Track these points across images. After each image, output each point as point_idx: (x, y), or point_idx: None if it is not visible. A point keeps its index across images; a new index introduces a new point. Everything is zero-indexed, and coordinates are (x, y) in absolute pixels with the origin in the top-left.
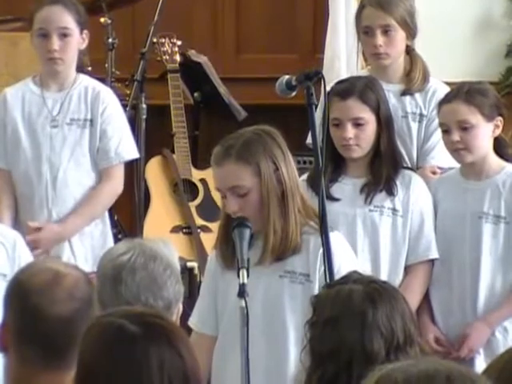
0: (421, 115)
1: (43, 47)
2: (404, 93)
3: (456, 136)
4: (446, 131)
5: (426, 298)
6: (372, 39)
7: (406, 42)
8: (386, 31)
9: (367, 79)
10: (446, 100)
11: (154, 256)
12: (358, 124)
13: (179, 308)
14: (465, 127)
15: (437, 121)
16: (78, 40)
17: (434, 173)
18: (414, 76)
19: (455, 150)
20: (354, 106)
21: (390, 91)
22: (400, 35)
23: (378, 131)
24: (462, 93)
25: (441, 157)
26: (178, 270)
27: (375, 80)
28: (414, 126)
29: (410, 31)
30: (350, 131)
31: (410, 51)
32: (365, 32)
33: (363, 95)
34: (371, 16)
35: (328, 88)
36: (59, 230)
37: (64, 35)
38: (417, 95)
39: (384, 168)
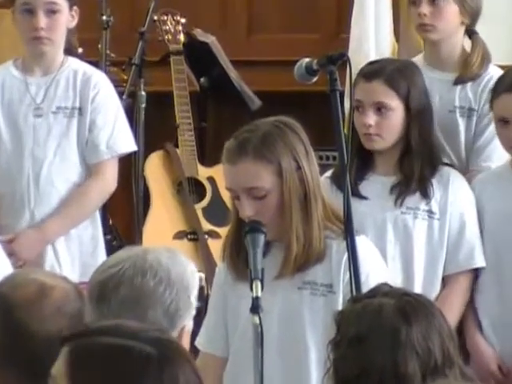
0: (470, 110)
1: (28, 25)
2: (457, 81)
3: None
4: (507, 122)
5: (474, 312)
6: (417, 8)
7: (460, 19)
8: (433, 0)
9: (402, 63)
10: (506, 88)
11: (145, 269)
12: (381, 110)
13: (185, 327)
14: None
15: (490, 115)
16: (67, 17)
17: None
18: (470, 60)
19: None
20: (379, 88)
21: (443, 81)
22: (451, 8)
23: (407, 122)
24: None
25: (494, 157)
26: (187, 283)
27: (412, 65)
28: (462, 121)
29: (466, 6)
30: (371, 117)
31: (471, 34)
32: (411, 1)
33: (391, 79)
34: None
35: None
36: (36, 236)
37: (52, 11)
38: (468, 87)
39: (415, 165)
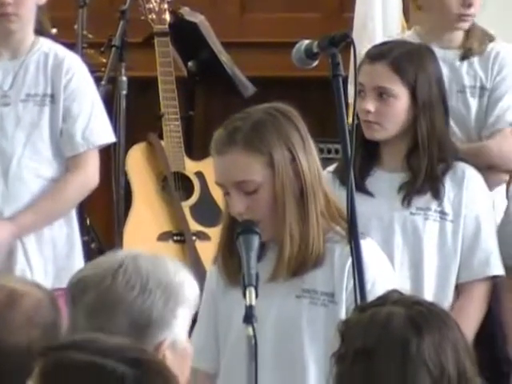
0: (482, 88)
1: None
2: (463, 57)
3: None
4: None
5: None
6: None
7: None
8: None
9: (414, 46)
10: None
11: (118, 272)
12: (382, 96)
13: (163, 342)
14: None
15: (506, 84)
16: None
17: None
18: (472, 34)
19: None
20: (382, 72)
21: (445, 60)
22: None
23: (414, 113)
24: None
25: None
26: (172, 292)
27: (425, 49)
28: (474, 102)
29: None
30: (371, 103)
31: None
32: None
33: (397, 63)
34: None
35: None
36: (6, 226)
37: None
38: (476, 63)
39: (423, 162)
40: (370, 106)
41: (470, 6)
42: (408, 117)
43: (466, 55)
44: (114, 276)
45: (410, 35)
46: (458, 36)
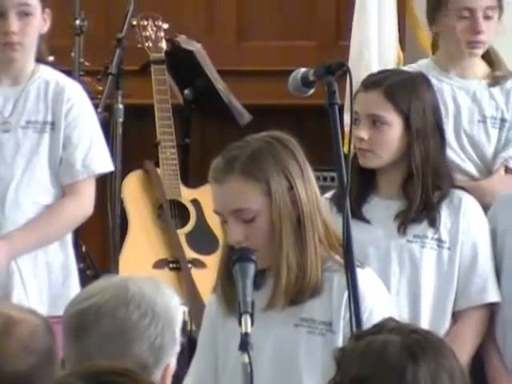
0: (502, 120)
1: None
2: (491, 84)
3: None
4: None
5: (495, 345)
6: (473, 24)
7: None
8: (487, 15)
9: (409, 75)
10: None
11: (128, 300)
12: (375, 124)
13: (169, 365)
14: None
15: None
16: (40, 21)
17: (506, 169)
18: (499, 61)
19: None
20: (375, 100)
21: (462, 89)
22: (496, 16)
23: (408, 141)
24: None
25: None
26: (172, 316)
27: (420, 78)
28: (494, 133)
29: (501, 8)
30: (365, 131)
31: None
32: (463, 16)
33: (390, 91)
34: None
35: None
36: (1, 243)
37: (24, 14)
38: (496, 94)
39: (417, 190)
40: (364, 133)
41: (479, 33)
42: (402, 145)
43: (494, 84)
44: (125, 303)
45: (426, 64)
46: (478, 64)
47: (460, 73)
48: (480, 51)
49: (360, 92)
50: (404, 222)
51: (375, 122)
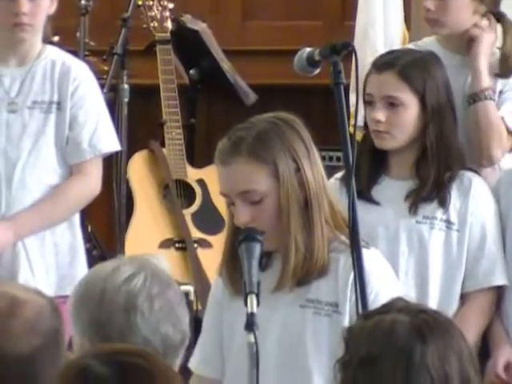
0: (500, 92)
1: (8, 10)
2: (501, 76)
3: None
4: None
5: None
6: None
7: (472, 7)
8: None
9: (420, 53)
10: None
11: (168, 282)
12: (392, 105)
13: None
14: None
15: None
16: (48, 1)
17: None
18: (506, 50)
19: None
20: (390, 81)
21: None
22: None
23: (423, 121)
24: None
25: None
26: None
27: (432, 56)
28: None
29: None
30: (381, 113)
31: (499, 18)
32: None
33: (405, 71)
34: None
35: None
36: (6, 225)
37: None
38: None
39: (431, 170)
40: (381, 115)
41: (428, 10)
42: (418, 125)
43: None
44: (168, 287)
45: (431, 40)
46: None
47: (458, 49)
48: (440, 30)
49: (372, 74)
50: (415, 201)
51: (391, 103)
